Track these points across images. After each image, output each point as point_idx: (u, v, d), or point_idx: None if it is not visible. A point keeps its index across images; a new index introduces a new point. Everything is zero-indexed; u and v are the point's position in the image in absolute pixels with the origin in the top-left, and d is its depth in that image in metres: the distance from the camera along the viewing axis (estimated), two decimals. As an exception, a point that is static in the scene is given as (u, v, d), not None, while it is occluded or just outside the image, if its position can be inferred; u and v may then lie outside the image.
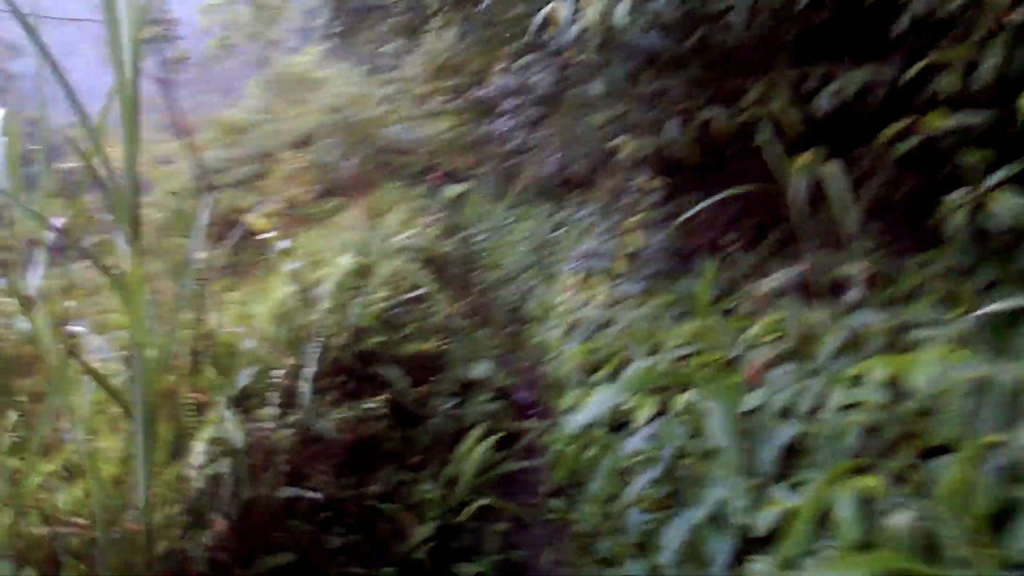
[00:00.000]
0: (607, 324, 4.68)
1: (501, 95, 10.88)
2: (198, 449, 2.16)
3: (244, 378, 3.01)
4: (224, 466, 2.28)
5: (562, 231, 8.59)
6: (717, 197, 3.33)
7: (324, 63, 24.32)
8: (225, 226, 14.83)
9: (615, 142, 4.01)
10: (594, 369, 4.39)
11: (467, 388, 5.49)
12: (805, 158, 3.40)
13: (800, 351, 3.14)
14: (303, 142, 16.08)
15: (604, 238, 4.85)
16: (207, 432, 2.28)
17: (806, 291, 3.63)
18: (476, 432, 4.35)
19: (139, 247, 2.20)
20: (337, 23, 30.70)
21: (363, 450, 3.64)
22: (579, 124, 6.79)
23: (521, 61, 10.16)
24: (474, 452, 4.18)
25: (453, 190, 20.63)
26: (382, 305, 4.35)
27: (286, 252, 4.31)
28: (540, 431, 4.76)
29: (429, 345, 4.79)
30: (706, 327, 3.68)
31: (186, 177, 16.50)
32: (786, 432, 2.49)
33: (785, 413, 2.61)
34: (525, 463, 4.53)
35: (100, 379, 2.30)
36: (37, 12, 2.69)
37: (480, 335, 6.61)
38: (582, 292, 4.76)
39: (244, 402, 2.88)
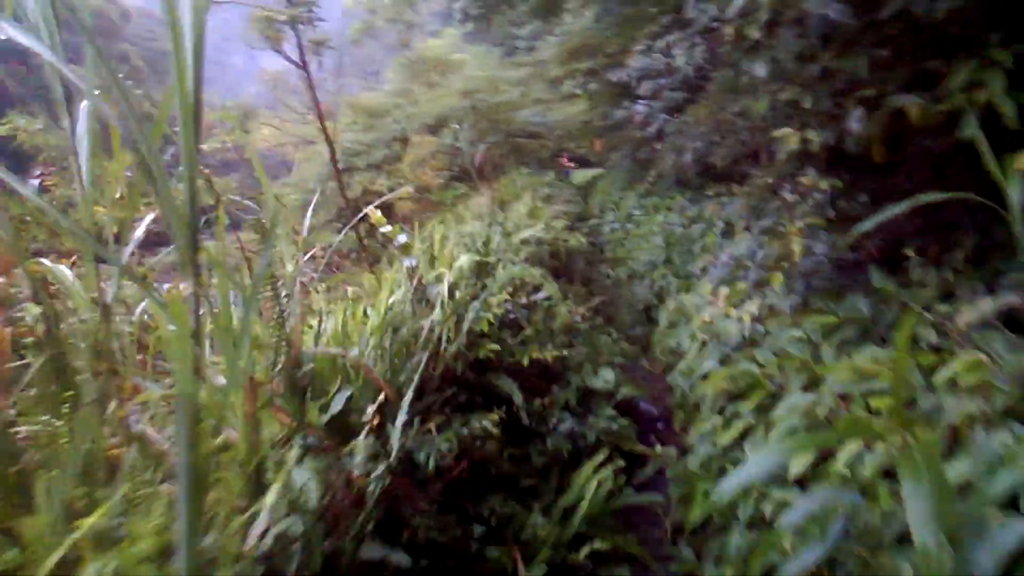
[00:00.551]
0: (753, 343, 4.07)
1: (639, 77, 10.24)
2: (265, 505, 1.86)
3: (339, 402, 2.72)
4: (296, 524, 1.97)
5: (700, 227, 7.90)
6: (910, 203, 2.66)
7: (461, 46, 24.40)
8: (358, 209, 15.07)
9: (777, 132, 3.38)
10: (736, 396, 3.81)
11: (588, 399, 5.02)
12: (1028, 159, 2.67)
13: (1017, 408, 2.45)
14: (436, 125, 16.07)
15: (754, 242, 4.22)
16: (278, 483, 1.97)
17: (1017, 325, 2.89)
18: (596, 457, 3.89)
19: (195, 266, 1.89)
20: (475, 5, 30.75)
21: (471, 476, 3.28)
22: (728, 110, 6.09)
23: (663, 41, 9.48)
24: (592, 480, 3.73)
25: (583, 175, 20.10)
26: (500, 309, 3.97)
27: (406, 247, 4.00)
28: (670, 459, 4.23)
29: (549, 352, 4.35)
30: (884, 362, 3.02)
31: (325, 159, 16.99)
32: (1015, 531, 1.86)
33: (1013, 500, 1.98)
34: (651, 495, 4.03)
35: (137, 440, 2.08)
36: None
37: (604, 339, 6.11)
38: (725, 300, 4.17)
39: (334, 435, 2.57)
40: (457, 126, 14.05)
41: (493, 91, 17.22)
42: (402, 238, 4.05)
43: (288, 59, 8.59)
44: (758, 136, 5.18)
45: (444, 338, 3.58)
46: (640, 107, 10.25)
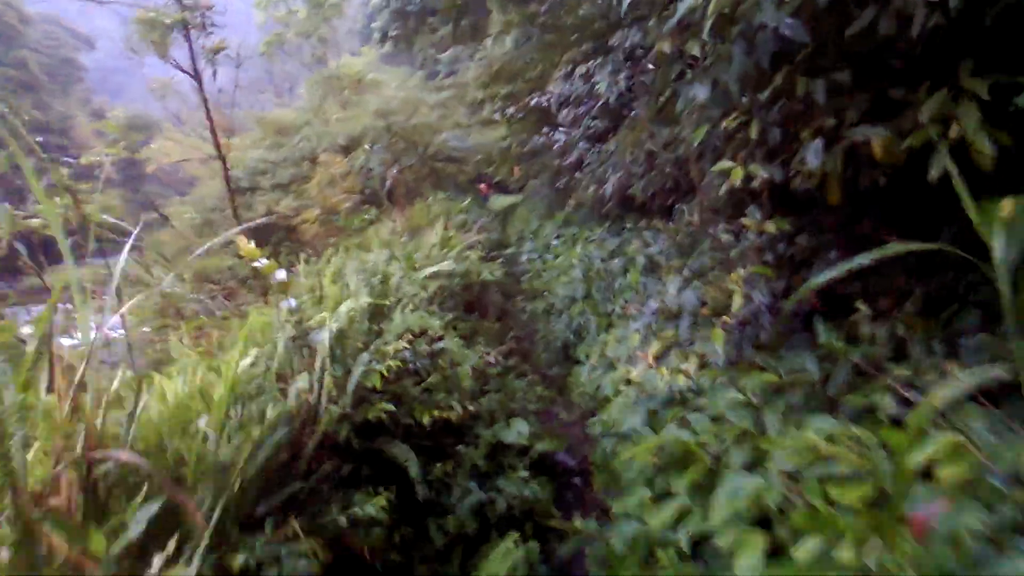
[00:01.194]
0: (684, 401, 3.59)
1: (559, 103, 9.89)
2: None
3: (139, 522, 2.00)
4: None
5: (621, 262, 7.50)
6: (876, 254, 2.23)
7: (379, 66, 23.73)
8: (258, 234, 14.08)
9: (718, 166, 2.94)
10: (666, 466, 3.31)
11: (499, 455, 4.44)
12: (1010, 206, 2.29)
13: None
14: (349, 146, 15.33)
15: (684, 286, 3.77)
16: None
17: (1002, 400, 2.50)
18: (507, 539, 3.30)
19: None
20: (395, 26, 30.23)
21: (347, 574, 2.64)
22: (654, 140, 5.72)
23: (584, 67, 9.16)
24: (502, 566, 3.13)
25: (501, 202, 19.69)
26: (396, 361, 3.35)
27: (284, 286, 3.34)
28: (590, 537, 3.68)
29: (453, 408, 3.75)
30: (840, 438, 2.57)
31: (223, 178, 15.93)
32: None
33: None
34: (570, 582, 3.47)
35: None
36: None
37: (519, 383, 5.56)
38: (653, 355, 3.69)
39: (136, 563, 1.88)
40: (369, 147, 13.34)
41: (411, 112, 16.64)
42: (280, 275, 3.39)
43: (178, 67, 7.77)
44: (688, 168, 4.79)
45: (324, 399, 2.94)
46: (560, 134, 9.90)
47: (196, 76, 7.68)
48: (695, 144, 2.92)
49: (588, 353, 6.41)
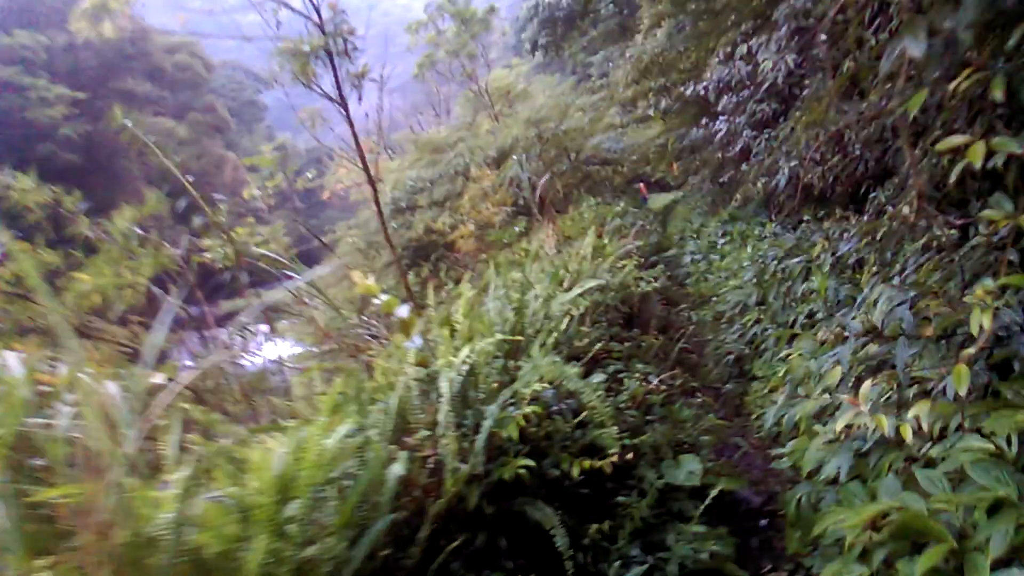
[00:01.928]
0: (903, 443, 2.78)
1: (718, 90, 9.03)
2: None
3: None
4: None
5: (799, 262, 6.55)
6: None
7: (530, 76, 23.66)
8: (418, 252, 14.23)
9: (949, 142, 2.16)
10: (889, 538, 2.54)
11: (667, 501, 3.82)
12: None
13: None
14: (500, 158, 15.20)
15: (894, 297, 2.97)
16: None
17: None
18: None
19: None
20: (544, 34, 30.13)
21: None
22: (838, 118, 4.86)
23: (744, 47, 8.26)
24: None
25: (661, 200, 18.79)
26: (537, 407, 2.84)
27: (406, 324, 2.97)
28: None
29: (609, 446, 3.17)
30: None
31: (386, 199, 16.37)
32: None
33: None
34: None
35: None
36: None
37: (686, 411, 4.86)
38: (862, 387, 2.91)
39: None
40: (515, 157, 13.08)
41: (561, 118, 16.25)
42: (401, 311, 3.01)
43: (325, 95, 7.86)
44: (885, 148, 3.92)
45: (449, 458, 2.50)
46: (721, 124, 9.02)
47: (342, 102, 7.72)
48: (909, 115, 2.18)
49: (768, 372, 5.59)
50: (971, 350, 2.22)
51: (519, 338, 3.17)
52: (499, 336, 2.93)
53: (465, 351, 2.70)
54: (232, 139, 56.76)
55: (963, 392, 2.16)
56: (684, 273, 11.64)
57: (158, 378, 2.94)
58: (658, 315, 7.66)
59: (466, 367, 2.70)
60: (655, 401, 4.48)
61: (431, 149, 17.57)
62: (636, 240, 10.41)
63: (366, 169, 8.16)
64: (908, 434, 2.34)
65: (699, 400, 5.75)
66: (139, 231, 5.48)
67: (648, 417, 4.52)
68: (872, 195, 4.73)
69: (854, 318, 3.25)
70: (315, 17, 7.20)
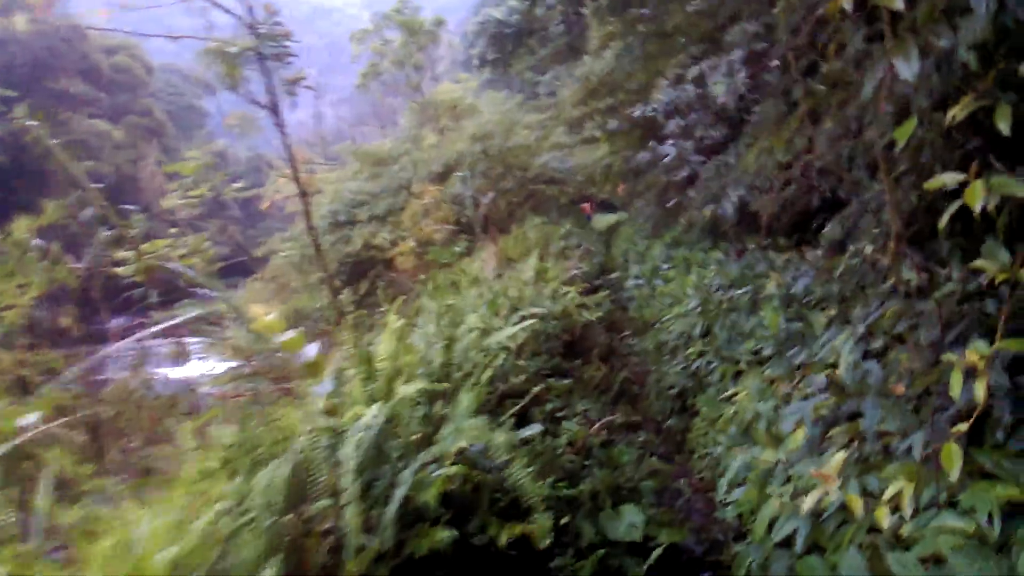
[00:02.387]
0: (867, 520, 2.48)
1: (666, 113, 8.84)
2: None
3: None
4: None
5: (745, 293, 6.34)
6: None
7: (476, 91, 23.36)
8: (356, 269, 13.66)
9: (939, 180, 1.85)
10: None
11: (605, 560, 3.46)
12: None
13: None
14: (444, 173, 14.80)
15: (857, 346, 2.69)
16: None
17: None
18: None
19: None
20: (493, 50, 29.98)
21: None
22: (789, 145, 4.65)
23: (695, 69, 8.09)
24: None
25: (605, 220, 18.64)
26: (458, 466, 2.45)
27: (312, 366, 2.53)
28: None
29: (537, 519, 2.79)
30: None
31: (323, 211, 15.77)
32: None
33: None
34: None
35: None
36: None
37: (627, 454, 4.53)
38: (831, 459, 2.60)
39: None
40: (459, 173, 12.70)
41: (507, 135, 15.95)
42: (310, 350, 2.57)
43: (254, 101, 7.34)
44: (840, 179, 3.70)
45: (353, 533, 2.08)
46: (668, 148, 8.83)
47: (273, 109, 7.21)
48: (898, 146, 1.88)
49: (712, 409, 5.31)
50: (963, 427, 1.92)
51: (444, 385, 2.76)
52: (421, 385, 2.52)
53: (376, 406, 2.29)
54: (170, 144, 54.75)
55: (955, 475, 1.86)
56: (627, 297, 11.41)
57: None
58: (601, 343, 7.36)
59: (380, 420, 2.29)
60: (595, 443, 4.14)
61: (373, 161, 17.03)
62: (580, 263, 10.14)
63: (296, 179, 7.66)
64: (884, 519, 2.03)
65: (641, 438, 5.44)
66: (38, 242, 4.88)
67: (587, 461, 4.18)
68: (824, 228, 4.51)
69: (808, 364, 2.96)
70: (247, 17, 6.70)
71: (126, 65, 50.10)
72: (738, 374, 5.44)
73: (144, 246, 6.62)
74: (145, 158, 51.36)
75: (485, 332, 4.65)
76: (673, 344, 7.34)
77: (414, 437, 2.56)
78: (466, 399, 2.66)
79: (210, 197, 7.97)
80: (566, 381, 4.58)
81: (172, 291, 6.00)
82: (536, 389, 4.03)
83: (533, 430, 3.10)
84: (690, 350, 6.66)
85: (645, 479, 4.31)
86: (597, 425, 3.97)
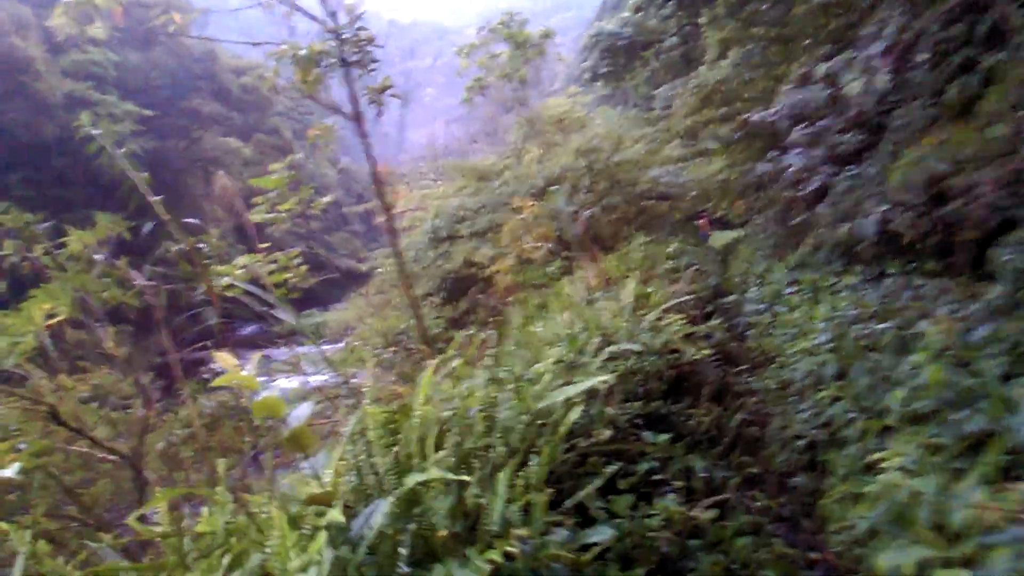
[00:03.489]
0: None
1: (791, 119, 7.82)
2: None
3: None
4: None
5: (890, 328, 5.30)
6: None
7: (588, 106, 22.70)
8: (457, 286, 13.26)
9: None
10: None
11: None
12: None
13: None
14: (546, 189, 14.20)
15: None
16: None
17: None
18: None
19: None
20: (605, 63, 29.26)
21: None
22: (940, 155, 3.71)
23: (824, 67, 7.06)
24: None
25: (723, 237, 17.41)
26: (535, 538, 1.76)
27: (299, 437, 1.90)
28: None
29: None
30: None
31: (426, 227, 15.54)
32: None
33: None
34: None
35: None
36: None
37: (741, 540, 3.64)
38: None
39: None
40: (558, 188, 12.01)
41: (615, 149, 15.15)
42: (301, 410, 1.94)
43: (333, 108, 6.99)
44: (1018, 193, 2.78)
45: None
46: (793, 158, 7.81)
47: (357, 119, 6.82)
48: None
49: (851, 470, 4.34)
50: None
51: (465, 478, 1.99)
52: (434, 474, 1.81)
53: (383, 502, 1.63)
54: (296, 161, 57.50)
55: None
56: (745, 324, 10.33)
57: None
58: (712, 380, 6.42)
59: (378, 521, 1.64)
60: (702, 520, 3.30)
61: (477, 177, 16.68)
62: (690, 285, 9.21)
63: (380, 195, 7.24)
64: None
65: (759, 502, 4.52)
66: (100, 257, 4.62)
67: (691, 541, 3.35)
68: (1003, 254, 3.51)
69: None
70: (329, 23, 6.35)
71: (253, 86, 53.05)
72: (884, 429, 4.44)
73: (222, 267, 6.35)
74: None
75: (571, 368, 3.94)
76: (800, 385, 6.30)
77: (442, 533, 1.90)
78: (504, 480, 1.95)
79: (298, 212, 7.67)
80: (664, 436, 3.78)
81: (236, 314, 5.64)
82: (619, 445, 3.26)
83: (602, 535, 2.33)
84: (821, 394, 5.63)
85: (766, 567, 3.42)
86: (702, 506, 3.13)
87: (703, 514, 3.21)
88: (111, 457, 4.25)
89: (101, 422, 4.62)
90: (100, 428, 4.57)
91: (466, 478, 1.70)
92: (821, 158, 7.29)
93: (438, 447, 2.20)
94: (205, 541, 1.82)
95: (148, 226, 4.58)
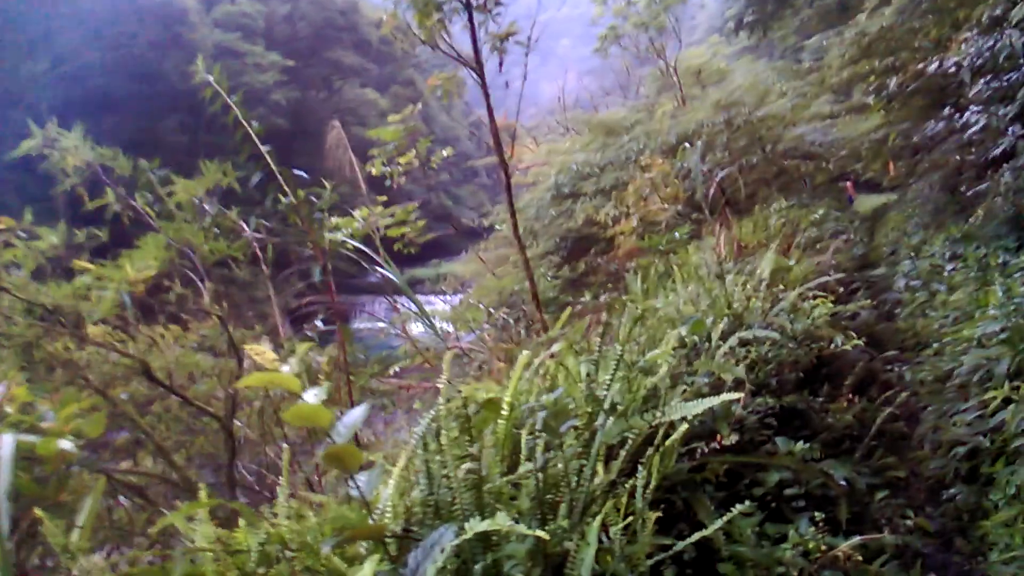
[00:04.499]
0: None
1: (973, 70, 6.70)
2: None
3: None
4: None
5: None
6: None
7: (729, 57, 21.20)
8: (577, 246, 12.85)
9: None
10: None
11: None
12: None
13: None
14: (679, 145, 13.36)
15: None
16: None
17: None
18: None
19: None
20: (751, 11, 27.19)
21: None
22: None
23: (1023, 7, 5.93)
24: None
25: (869, 203, 15.86)
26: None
27: (342, 455, 1.58)
28: None
29: None
30: None
31: (549, 183, 15.13)
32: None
33: None
34: None
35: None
36: None
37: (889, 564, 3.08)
38: None
39: None
40: (689, 145, 11.15)
41: (758, 103, 14.01)
42: (351, 418, 1.57)
43: (457, 58, 6.65)
44: None
45: None
46: (973, 116, 6.71)
47: (476, 66, 6.47)
48: None
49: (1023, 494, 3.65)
50: None
51: (540, 534, 1.56)
52: (504, 522, 1.41)
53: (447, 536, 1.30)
54: (430, 114, 58.25)
55: None
56: (894, 300, 9.29)
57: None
58: (855, 367, 5.69)
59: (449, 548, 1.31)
60: (843, 553, 2.78)
61: (604, 131, 15.96)
62: (835, 257, 8.32)
63: (498, 148, 6.89)
64: None
65: (908, 520, 3.91)
66: (208, 207, 4.57)
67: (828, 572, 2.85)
68: None
69: None
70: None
71: (390, 38, 53.86)
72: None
73: (340, 220, 6.24)
74: (407, 126, 54.97)
75: (693, 354, 3.49)
76: (962, 380, 5.48)
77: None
78: (596, 527, 1.54)
79: (414, 165, 7.48)
80: (801, 446, 3.24)
81: (343, 269, 5.51)
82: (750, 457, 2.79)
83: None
84: (990, 394, 4.82)
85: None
86: (846, 547, 2.59)
87: (844, 546, 2.69)
88: (208, 413, 4.26)
89: (202, 379, 4.65)
90: (202, 383, 4.60)
91: (542, 534, 1.33)
92: (1010, 117, 6.20)
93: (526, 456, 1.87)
94: (240, 559, 1.58)
95: (256, 177, 4.45)
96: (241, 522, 1.67)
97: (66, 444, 2.19)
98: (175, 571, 1.53)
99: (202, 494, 2.23)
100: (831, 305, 5.38)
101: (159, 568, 1.67)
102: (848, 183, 17.02)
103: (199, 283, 4.61)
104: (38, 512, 1.99)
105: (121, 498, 3.85)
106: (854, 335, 5.02)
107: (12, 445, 1.77)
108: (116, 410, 3.93)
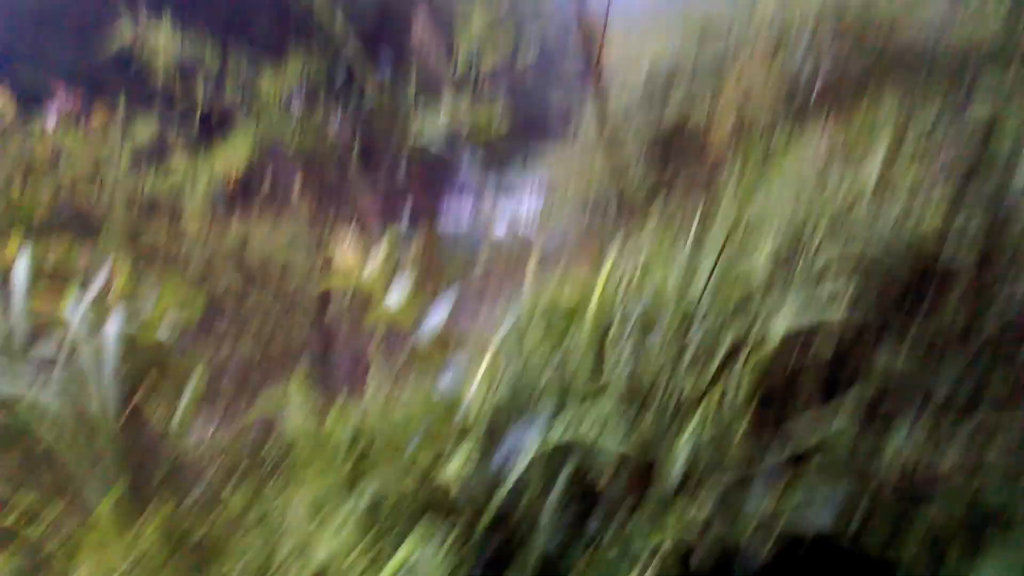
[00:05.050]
0: None
1: None
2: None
3: None
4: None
5: None
6: None
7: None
8: (668, 148, 12.38)
9: None
10: None
11: None
12: None
13: None
14: (782, 38, 12.39)
15: None
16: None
17: None
18: None
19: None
20: None
21: None
22: None
23: None
24: None
25: (979, 110, 14.33)
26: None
27: (433, 349, 1.57)
28: None
29: None
30: None
31: (639, 79, 14.39)
32: None
33: None
34: None
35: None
36: None
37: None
38: None
39: None
40: (795, 36, 10.26)
41: (870, -4, 12.66)
42: (436, 316, 1.53)
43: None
44: None
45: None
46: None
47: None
48: None
49: None
50: None
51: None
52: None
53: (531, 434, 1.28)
54: (519, 12, 56.01)
55: None
56: (1007, 210, 8.57)
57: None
58: (964, 278, 5.31)
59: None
60: (943, 469, 2.64)
61: (702, 25, 14.89)
62: (948, 159, 7.66)
63: (586, 46, 6.54)
64: None
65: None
66: (295, 102, 4.57)
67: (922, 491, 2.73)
68: None
69: None
70: None
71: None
72: None
73: (423, 118, 6.18)
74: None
75: (789, 265, 3.35)
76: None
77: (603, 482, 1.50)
78: (686, 439, 1.46)
79: (497, 64, 7.25)
80: (900, 357, 3.08)
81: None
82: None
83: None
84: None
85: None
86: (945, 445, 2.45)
87: (944, 459, 2.57)
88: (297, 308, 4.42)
89: (293, 274, 4.78)
90: (293, 278, 4.74)
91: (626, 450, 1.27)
92: None
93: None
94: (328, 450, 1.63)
95: (342, 74, 4.40)
96: (331, 413, 1.73)
97: (163, 333, 2.31)
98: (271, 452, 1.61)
99: (295, 384, 2.32)
100: (941, 214, 5.00)
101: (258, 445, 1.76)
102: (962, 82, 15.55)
103: (288, 178, 4.68)
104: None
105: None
106: (963, 247, 4.67)
107: (118, 328, 1.87)
108: (213, 300, 4.12)
